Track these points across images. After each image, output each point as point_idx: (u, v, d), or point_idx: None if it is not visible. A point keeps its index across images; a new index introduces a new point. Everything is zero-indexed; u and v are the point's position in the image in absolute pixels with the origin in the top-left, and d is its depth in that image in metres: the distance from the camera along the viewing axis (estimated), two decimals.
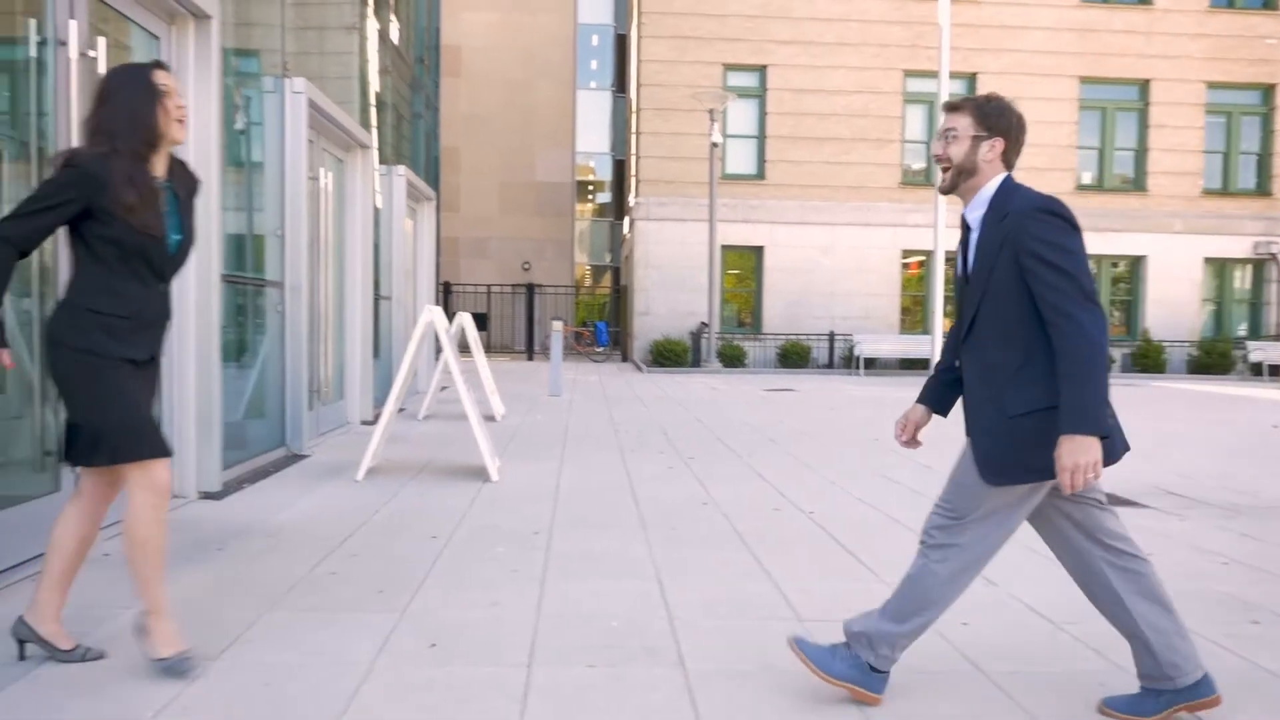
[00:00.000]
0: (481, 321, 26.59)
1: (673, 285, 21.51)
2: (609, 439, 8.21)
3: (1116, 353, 21.72)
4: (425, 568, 3.85)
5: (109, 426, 2.58)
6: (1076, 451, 2.24)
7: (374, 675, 2.71)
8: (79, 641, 2.81)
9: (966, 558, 2.54)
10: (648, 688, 2.67)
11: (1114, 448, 2.39)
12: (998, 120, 2.46)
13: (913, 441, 2.80)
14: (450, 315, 8.24)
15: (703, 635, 3.10)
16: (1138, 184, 22.26)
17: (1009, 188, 2.47)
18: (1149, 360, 21.18)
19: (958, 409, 2.65)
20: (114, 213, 2.52)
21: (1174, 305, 22.18)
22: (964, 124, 2.48)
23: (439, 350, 13.50)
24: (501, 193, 34.05)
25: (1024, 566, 4.06)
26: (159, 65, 2.66)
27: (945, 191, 2.57)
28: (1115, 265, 22.43)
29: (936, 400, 2.75)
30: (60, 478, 4.00)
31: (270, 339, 6.92)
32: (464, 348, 16.82)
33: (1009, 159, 2.49)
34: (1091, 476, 2.24)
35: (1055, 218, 2.33)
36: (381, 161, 10.68)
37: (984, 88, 21.57)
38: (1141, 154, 22.21)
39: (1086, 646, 3.07)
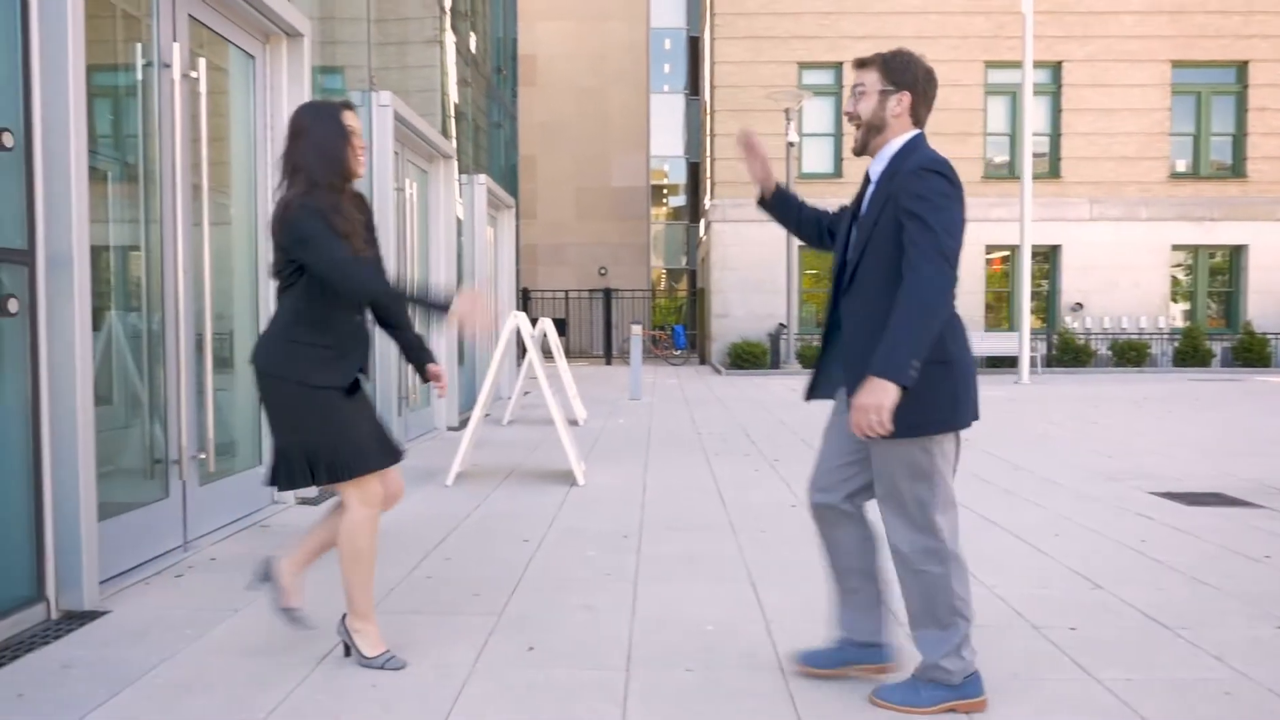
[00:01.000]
0: (560, 327, 26.85)
1: (750, 287, 21.37)
2: (692, 441, 8.18)
3: (1217, 346, 20.81)
4: (518, 571, 3.89)
5: (321, 449, 2.69)
6: (875, 393, 2.25)
7: (475, 678, 2.74)
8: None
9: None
10: (747, 692, 2.64)
11: (962, 414, 2.43)
12: (903, 74, 2.44)
13: (753, 153, 2.74)
14: (531, 321, 8.34)
15: (801, 639, 3.05)
16: (1236, 170, 21.28)
17: (913, 146, 2.46)
18: (1252, 354, 20.21)
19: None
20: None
21: (1278, 296, 21.13)
22: (871, 79, 2.46)
23: (520, 356, 13.67)
24: (578, 198, 34.34)
25: (1130, 568, 3.91)
26: (347, 105, 2.80)
27: (858, 151, 2.55)
28: (1213, 255, 21.49)
29: (794, 206, 2.83)
30: (169, 485, 4.16)
31: None
32: (545, 353, 17.00)
33: (918, 114, 2.47)
34: (877, 421, 2.25)
35: (936, 175, 2.34)
36: (462, 171, 10.86)
37: (1070, 76, 20.93)
38: (1240, 139, 21.23)
39: (1206, 653, 2.93)
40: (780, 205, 2.87)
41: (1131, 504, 5.33)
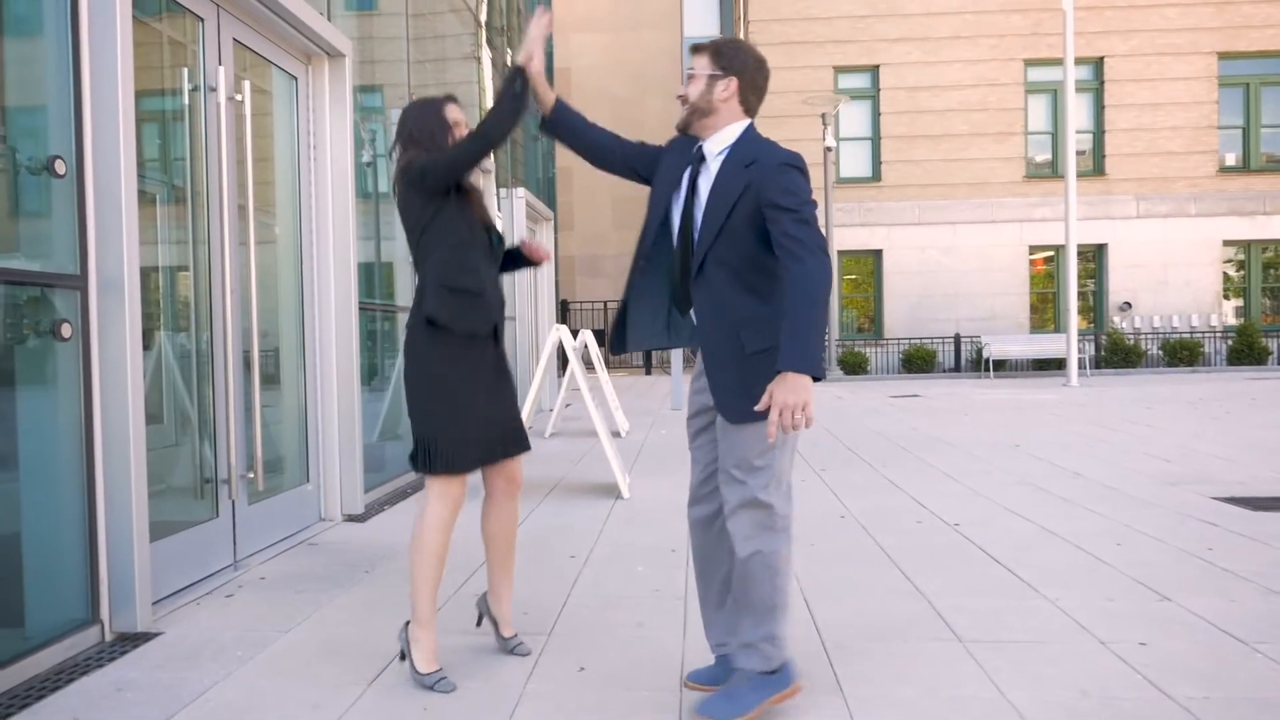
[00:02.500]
0: (599, 338, 26.88)
1: None
2: None
3: (1272, 343, 20.26)
4: (566, 588, 3.85)
5: (428, 436, 2.81)
6: (796, 390, 2.26)
7: (526, 700, 2.70)
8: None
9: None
10: (805, 711, 2.57)
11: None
12: (731, 60, 2.48)
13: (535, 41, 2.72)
14: (572, 333, 8.33)
15: (858, 658, 2.97)
16: None
17: (753, 137, 2.52)
18: None
19: None
20: (464, 196, 2.85)
21: None
22: (702, 64, 2.51)
23: (561, 369, 13.68)
24: (614, 209, 34.39)
25: (1198, 578, 3.77)
26: (451, 99, 2.97)
27: (681, 129, 2.59)
28: (1265, 250, 20.94)
29: (581, 125, 2.78)
30: (219, 504, 4.19)
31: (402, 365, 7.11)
32: (586, 364, 17.00)
33: (747, 101, 2.53)
34: (801, 416, 2.27)
35: (799, 172, 2.41)
36: (501, 184, 10.90)
37: (1112, 71, 20.55)
38: None
39: None
40: (565, 123, 2.83)
41: (1195, 510, 5.17)
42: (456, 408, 2.81)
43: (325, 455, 5.33)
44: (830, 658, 2.98)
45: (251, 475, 4.40)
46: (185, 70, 4.15)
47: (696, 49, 2.56)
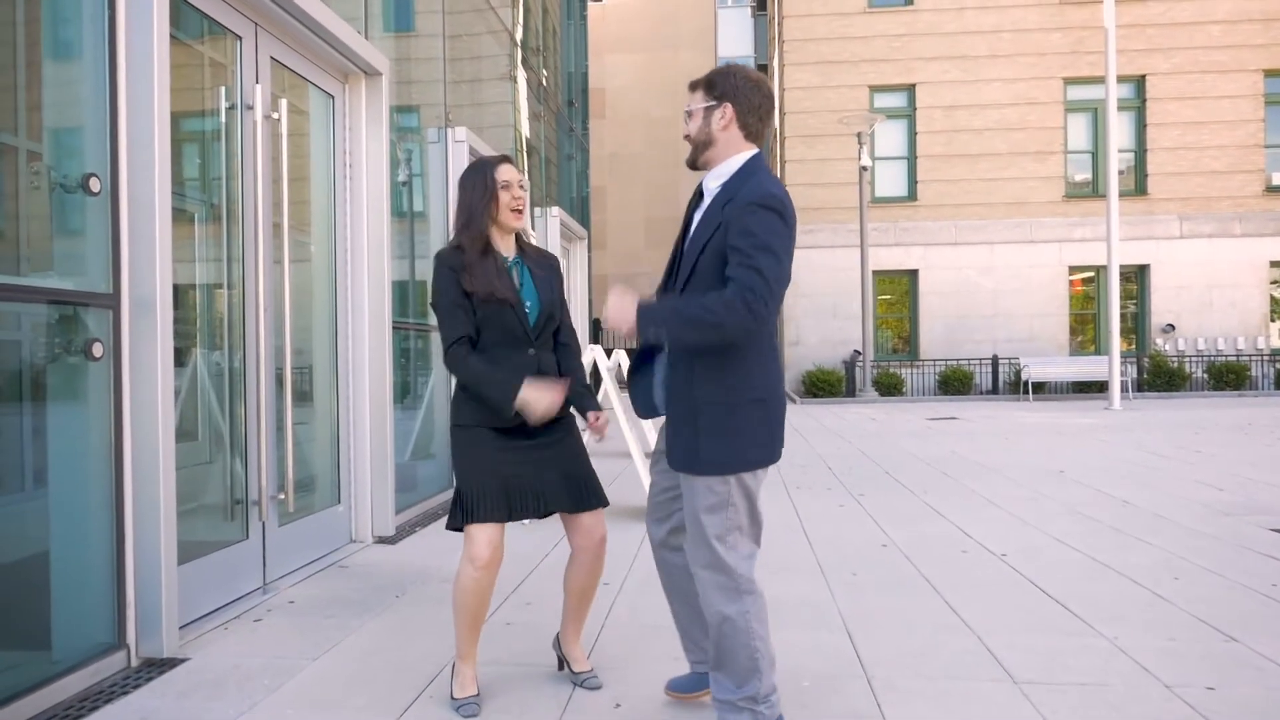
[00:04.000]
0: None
1: (824, 313, 21.02)
2: (771, 474, 7.95)
3: None
4: (600, 617, 3.74)
5: (457, 491, 2.83)
6: (626, 317, 2.28)
7: None
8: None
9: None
10: None
11: (774, 450, 2.42)
12: (724, 86, 2.39)
13: None
14: (606, 353, 8.26)
15: (908, 699, 2.83)
16: None
17: (748, 170, 2.39)
18: None
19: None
20: (469, 291, 2.77)
21: None
22: (696, 98, 2.43)
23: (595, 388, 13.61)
24: (648, 228, 34.43)
25: (1264, 617, 3.58)
26: (505, 159, 2.91)
27: (691, 165, 2.52)
28: None
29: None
30: (249, 526, 4.13)
31: (436, 382, 7.07)
32: (619, 384, 16.91)
33: (747, 125, 2.41)
34: (617, 325, 2.30)
35: (769, 212, 2.27)
36: (535, 203, 10.89)
37: (1154, 90, 20.23)
38: None
39: None
40: None
41: (1252, 542, 4.95)
42: (477, 450, 2.80)
43: (357, 476, 5.27)
44: (877, 697, 2.84)
45: (283, 496, 4.35)
46: (223, 89, 4.13)
47: (691, 86, 2.50)
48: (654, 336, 2.32)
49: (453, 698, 2.80)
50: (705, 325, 2.25)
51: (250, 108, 4.19)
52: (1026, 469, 8.07)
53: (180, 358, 3.92)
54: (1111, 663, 3.11)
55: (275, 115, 4.33)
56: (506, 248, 2.89)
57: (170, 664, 3.17)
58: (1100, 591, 4.01)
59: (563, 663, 3.09)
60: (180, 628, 3.40)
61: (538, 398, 2.69)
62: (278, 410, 4.38)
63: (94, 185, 3.07)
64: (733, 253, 2.28)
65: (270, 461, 4.24)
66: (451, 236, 2.89)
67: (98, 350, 3.06)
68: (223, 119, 4.14)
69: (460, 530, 2.81)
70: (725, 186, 2.40)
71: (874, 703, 2.80)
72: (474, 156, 7.62)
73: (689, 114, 2.47)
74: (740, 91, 2.39)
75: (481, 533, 2.74)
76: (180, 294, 3.99)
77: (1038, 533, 5.30)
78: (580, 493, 2.88)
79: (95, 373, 3.11)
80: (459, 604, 2.80)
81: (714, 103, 2.40)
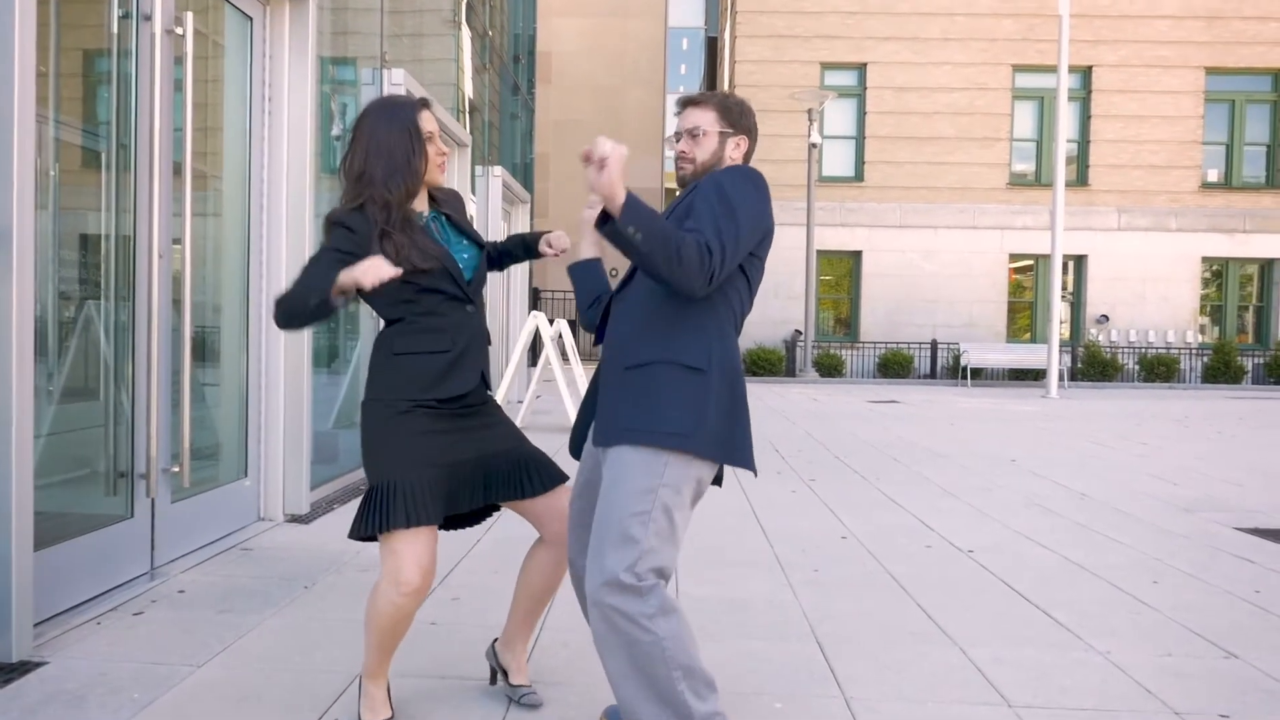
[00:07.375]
0: (571, 328, 26.28)
1: (766, 291, 20.71)
2: None
3: (1248, 362, 20.18)
4: (540, 617, 3.29)
5: (371, 488, 2.24)
6: (620, 186, 1.94)
7: None
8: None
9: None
10: None
11: (703, 440, 2.12)
12: (741, 119, 2.33)
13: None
14: (549, 321, 7.82)
15: None
16: (1270, 181, 20.66)
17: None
18: None
19: None
20: (407, 270, 2.23)
21: None
22: (707, 120, 2.30)
23: (532, 359, 13.11)
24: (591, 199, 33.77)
25: (1257, 629, 3.32)
26: (424, 104, 2.35)
27: (683, 184, 2.36)
28: (1243, 268, 20.84)
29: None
30: (134, 502, 3.59)
31: (364, 344, 6.52)
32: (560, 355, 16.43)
33: (748, 158, 2.37)
34: (609, 188, 1.93)
35: (743, 172, 2.18)
36: (477, 162, 10.31)
37: (1100, 81, 20.32)
38: (1275, 149, 20.63)
39: None
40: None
41: (1222, 543, 4.74)
42: (401, 435, 2.27)
43: (268, 446, 4.73)
44: None
45: (177, 469, 3.79)
46: None
47: (693, 103, 2.34)
48: (629, 230, 1.96)
49: None
50: (670, 246, 1.98)
51: (148, 17, 3.59)
52: (977, 456, 7.85)
53: (57, 307, 3.36)
54: (1110, 683, 2.79)
55: (179, 30, 3.73)
56: (419, 202, 2.40)
57: (20, 670, 2.64)
58: (1080, 597, 3.72)
59: (496, 674, 2.65)
60: (36, 624, 2.87)
61: (362, 267, 2.09)
62: (174, 371, 3.82)
63: None
64: (700, 200, 2.13)
65: (163, 428, 3.68)
66: (347, 189, 2.30)
67: None
68: (114, 29, 3.55)
69: (370, 540, 2.27)
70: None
71: None
72: None
73: (696, 134, 2.29)
74: (754, 129, 2.37)
75: (409, 548, 2.17)
76: (62, 233, 3.42)
77: (1001, 527, 5.02)
78: (545, 471, 2.49)
79: None
80: (373, 624, 2.28)
81: (730, 130, 2.31)
